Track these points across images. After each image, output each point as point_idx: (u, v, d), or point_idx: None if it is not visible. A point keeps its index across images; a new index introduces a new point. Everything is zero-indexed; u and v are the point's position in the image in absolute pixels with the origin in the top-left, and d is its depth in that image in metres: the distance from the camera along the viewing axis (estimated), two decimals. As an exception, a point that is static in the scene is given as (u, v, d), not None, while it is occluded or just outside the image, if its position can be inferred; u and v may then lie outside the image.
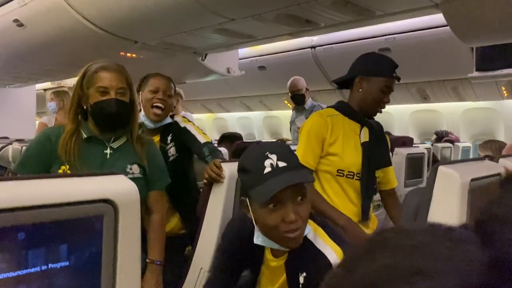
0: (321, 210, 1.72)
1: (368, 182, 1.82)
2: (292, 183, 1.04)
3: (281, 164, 1.06)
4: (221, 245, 1.35)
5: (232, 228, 1.31)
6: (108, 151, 1.52)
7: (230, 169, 1.55)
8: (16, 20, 3.67)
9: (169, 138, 1.95)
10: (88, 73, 1.49)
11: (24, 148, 2.42)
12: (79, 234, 0.73)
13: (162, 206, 1.64)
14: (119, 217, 0.76)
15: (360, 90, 1.81)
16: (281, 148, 1.12)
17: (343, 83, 1.92)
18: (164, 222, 1.65)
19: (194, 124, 2.03)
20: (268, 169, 1.05)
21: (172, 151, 1.93)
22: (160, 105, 1.90)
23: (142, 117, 1.93)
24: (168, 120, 1.97)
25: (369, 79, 1.79)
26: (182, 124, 1.99)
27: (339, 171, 1.78)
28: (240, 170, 1.14)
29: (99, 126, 1.52)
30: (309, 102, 3.94)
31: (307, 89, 3.90)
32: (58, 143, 1.46)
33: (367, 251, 0.33)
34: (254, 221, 1.12)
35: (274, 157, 1.07)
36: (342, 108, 1.86)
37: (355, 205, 1.81)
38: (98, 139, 1.53)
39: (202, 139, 1.94)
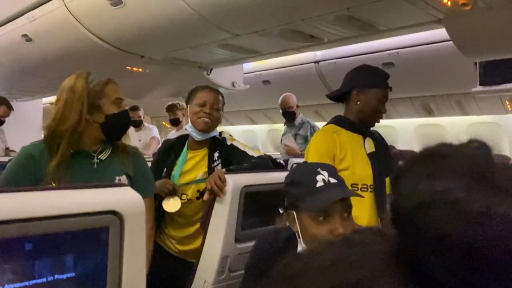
0: None
1: (381, 192, 1.82)
2: (346, 195, 1.15)
3: (333, 180, 1.16)
4: (250, 264, 1.34)
5: (262, 245, 1.33)
6: (95, 161, 1.50)
7: (234, 180, 1.55)
8: (24, 35, 3.73)
9: (216, 155, 1.94)
10: (94, 84, 1.47)
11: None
12: (86, 245, 0.74)
13: (151, 214, 1.63)
14: (125, 229, 0.77)
15: (358, 102, 1.84)
16: (329, 167, 1.23)
17: (336, 97, 1.95)
18: (152, 232, 1.65)
19: (239, 141, 2.03)
20: (320, 183, 1.14)
21: (218, 168, 1.90)
22: (206, 117, 1.90)
23: (189, 128, 1.95)
24: (215, 132, 1.98)
25: (367, 91, 1.83)
26: (229, 142, 1.98)
27: (353, 185, 1.77)
28: (290, 183, 1.21)
29: (109, 137, 1.51)
30: (299, 118, 4.00)
31: (297, 106, 3.97)
32: (43, 160, 1.41)
33: (286, 281, 0.35)
34: (299, 235, 1.16)
35: (325, 173, 1.16)
36: (342, 122, 1.88)
37: (372, 218, 1.80)
38: (85, 152, 1.49)
39: (253, 154, 1.92)
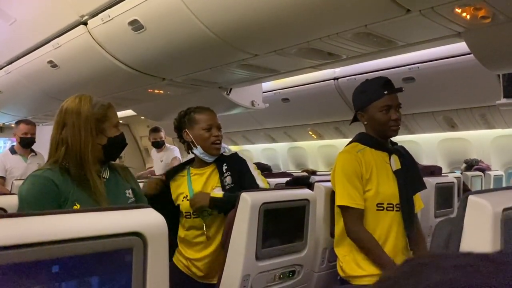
0: (367, 248, 1.70)
1: (409, 210, 1.77)
2: None
3: None
4: None
5: None
6: (103, 180, 1.55)
7: (252, 197, 1.55)
8: (50, 62, 3.85)
9: (224, 168, 1.98)
10: (97, 107, 1.52)
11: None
12: (110, 266, 0.75)
13: None
14: (148, 250, 0.77)
15: (365, 122, 1.85)
16: None
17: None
18: None
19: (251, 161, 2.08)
20: None
21: (228, 180, 1.95)
22: (218, 141, 1.99)
23: (200, 154, 1.99)
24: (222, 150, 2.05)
25: (365, 110, 1.83)
26: (241, 156, 2.04)
27: (378, 205, 1.75)
28: None
29: (111, 158, 1.59)
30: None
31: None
32: (64, 184, 1.43)
33: (411, 272, 0.33)
34: None
35: None
36: (366, 140, 1.86)
37: (400, 238, 1.76)
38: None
39: (261, 183, 1.93)
